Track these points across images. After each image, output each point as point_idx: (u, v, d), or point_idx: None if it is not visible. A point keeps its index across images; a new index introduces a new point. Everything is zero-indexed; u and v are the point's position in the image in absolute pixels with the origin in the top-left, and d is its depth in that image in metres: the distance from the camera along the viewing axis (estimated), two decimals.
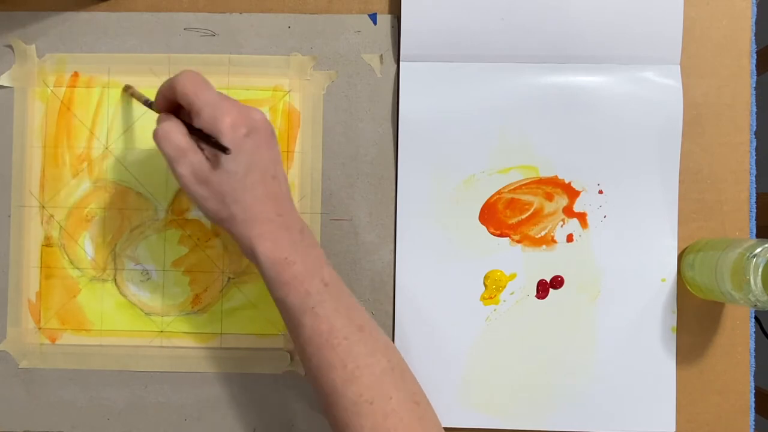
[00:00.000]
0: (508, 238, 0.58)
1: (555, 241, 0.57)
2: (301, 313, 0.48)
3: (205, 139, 0.48)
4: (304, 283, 0.48)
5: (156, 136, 0.49)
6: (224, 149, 0.47)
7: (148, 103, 0.55)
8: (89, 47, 0.58)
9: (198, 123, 0.48)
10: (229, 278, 0.58)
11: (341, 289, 0.50)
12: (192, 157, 0.48)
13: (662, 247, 0.57)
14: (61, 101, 0.58)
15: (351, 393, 0.47)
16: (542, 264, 0.57)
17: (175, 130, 0.48)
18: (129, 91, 0.57)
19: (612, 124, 0.57)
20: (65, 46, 0.58)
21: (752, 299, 0.49)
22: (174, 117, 0.50)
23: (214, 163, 0.48)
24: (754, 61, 0.58)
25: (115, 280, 0.58)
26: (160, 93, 0.50)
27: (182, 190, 0.58)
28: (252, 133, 0.48)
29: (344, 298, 0.50)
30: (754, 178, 0.57)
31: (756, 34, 0.58)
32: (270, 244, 0.48)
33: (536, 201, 0.57)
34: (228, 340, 0.58)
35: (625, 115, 0.57)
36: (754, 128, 0.58)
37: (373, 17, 0.58)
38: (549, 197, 0.57)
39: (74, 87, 0.58)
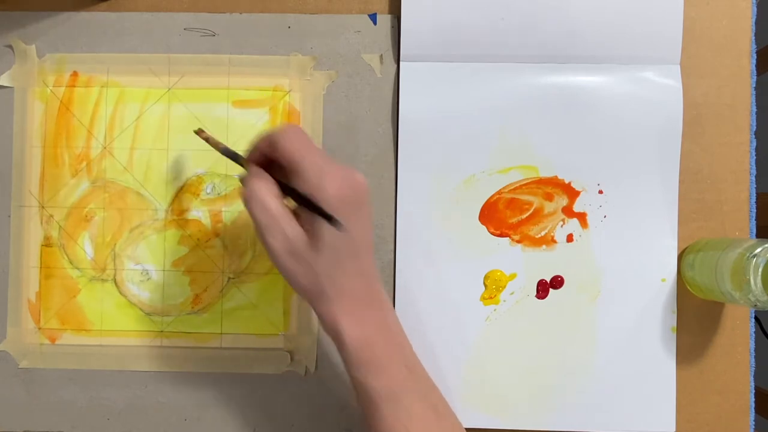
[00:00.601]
0: (508, 238, 0.58)
1: (555, 241, 0.57)
2: (382, 398, 0.45)
3: (308, 205, 0.43)
4: (387, 368, 0.46)
5: (247, 198, 0.45)
6: (333, 222, 0.43)
7: (228, 153, 0.49)
8: (89, 47, 0.58)
9: (299, 186, 0.44)
10: (229, 278, 0.58)
11: (421, 372, 0.48)
12: (287, 227, 0.44)
13: (662, 247, 0.57)
14: (61, 101, 0.58)
15: None
16: (542, 264, 0.57)
17: (269, 193, 0.44)
18: (202, 136, 0.52)
19: (612, 124, 0.57)
20: (65, 46, 0.58)
21: (752, 299, 0.49)
22: (266, 174, 0.45)
23: (312, 235, 0.44)
24: (754, 61, 0.58)
25: (114, 280, 0.58)
26: (256, 147, 0.46)
27: (182, 190, 0.58)
28: (358, 207, 0.44)
29: (424, 381, 0.48)
30: (754, 178, 0.57)
31: (756, 34, 0.58)
32: (355, 324, 0.45)
33: (536, 201, 0.57)
34: (228, 340, 0.58)
35: (625, 115, 0.57)
36: (754, 128, 0.58)
37: (373, 17, 0.58)
38: (549, 197, 0.57)
39: (73, 87, 0.58)
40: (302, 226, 0.45)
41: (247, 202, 0.45)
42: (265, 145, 0.46)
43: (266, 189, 0.45)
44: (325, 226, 0.43)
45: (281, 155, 0.45)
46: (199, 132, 0.52)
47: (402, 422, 0.45)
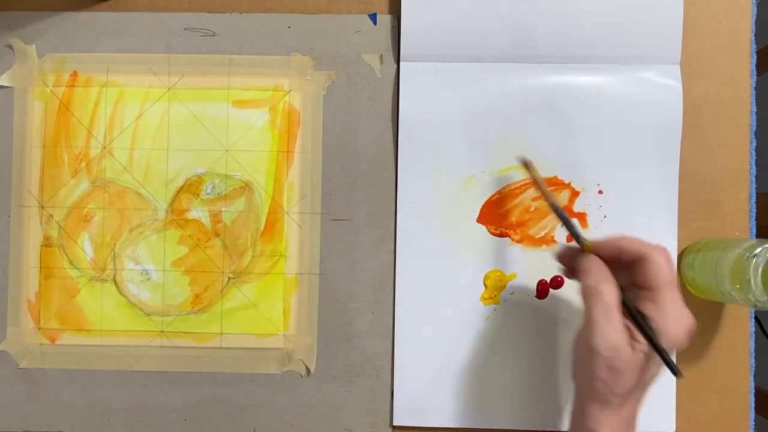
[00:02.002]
0: (508, 238, 0.58)
1: (555, 241, 0.57)
2: None
3: (658, 348, 0.44)
4: None
5: (590, 292, 0.45)
6: (676, 373, 0.44)
7: (575, 233, 0.49)
8: (89, 47, 0.58)
9: (649, 311, 0.45)
10: (229, 278, 0.58)
11: None
12: (619, 340, 0.44)
13: None
14: (60, 101, 0.58)
15: None
16: (542, 264, 0.57)
17: (613, 299, 0.45)
18: (536, 179, 0.53)
19: (612, 124, 0.57)
20: (65, 46, 0.58)
21: (752, 299, 0.49)
22: (612, 276, 0.46)
23: (636, 361, 0.44)
24: (754, 61, 0.58)
25: (114, 280, 0.58)
26: (618, 243, 0.47)
27: (182, 190, 0.58)
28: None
29: None
30: (754, 178, 0.57)
31: (756, 34, 0.58)
32: None
33: (536, 201, 0.57)
34: (228, 340, 0.58)
35: (625, 115, 0.57)
36: (754, 128, 0.58)
37: (373, 17, 0.58)
38: None
39: (73, 86, 0.58)
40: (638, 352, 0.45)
41: (590, 296, 0.45)
42: (627, 252, 0.46)
43: (614, 295, 0.45)
44: (654, 360, 0.44)
45: (646, 277, 0.45)
46: (532, 171, 0.53)
47: None
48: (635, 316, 0.45)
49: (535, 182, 0.53)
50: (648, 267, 0.45)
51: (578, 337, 0.47)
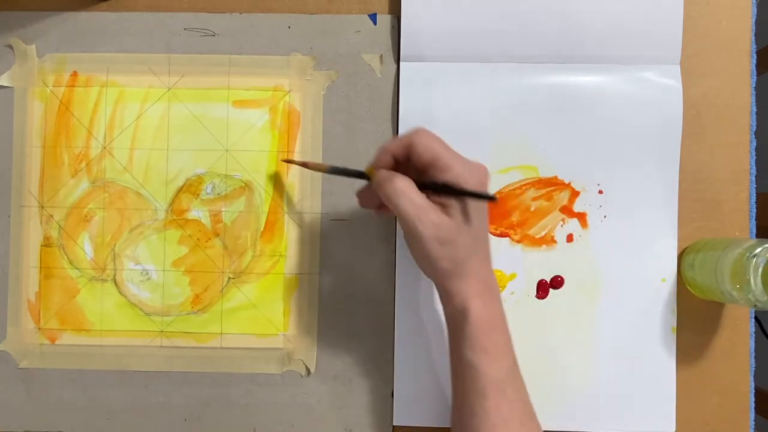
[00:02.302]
0: (508, 238, 0.58)
1: (555, 241, 0.57)
2: (490, 385, 0.47)
3: (455, 192, 0.46)
4: (501, 356, 0.48)
5: (392, 192, 0.47)
6: (491, 198, 0.46)
7: (346, 172, 0.52)
8: (89, 47, 0.58)
9: (444, 177, 0.46)
10: (229, 278, 0.58)
11: (520, 371, 0.50)
12: (433, 216, 0.46)
13: (662, 247, 0.57)
14: (60, 101, 0.58)
15: None
16: (542, 264, 0.57)
17: (412, 188, 0.47)
18: (297, 163, 0.56)
19: (612, 124, 0.57)
20: (65, 46, 0.58)
21: (752, 299, 0.49)
22: (401, 174, 0.48)
23: (456, 222, 0.47)
24: (754, 61, 0.58)
25: (114, 280, 0.58)
26: (385, 151, 0.49)
27: (182, 190, 0.58)
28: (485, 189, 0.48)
29: (523, 382, 0.50)
30: (754, 178, 0.57)
31: (756, 34, 0.58)
32: (482, 306, 0.48)
33: (536, 201, 0.57)
34: (228, 340, 0.58)
35: (625, 115, 0.57)
36: (754, 128, 0.58)
37: (373, 17, 0.58)
38: (549, 197, 0.57)
39: (73, 86, 0.58)
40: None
41: (393, 197, 0.47)
42: (398, 148, 0.48)
43: (407, 184, 0.47)
44: (471, 208, 0.47)
45: (422, 152, 0.47)
46: (287, 161, 0.56)
47: (502, 414, 0.47)
48: (436, 189, 0.47)
49: (302, 165, 0.56)
50: (418, 147, 0.47)
51: (405, 238, 0.49)
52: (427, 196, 0.47)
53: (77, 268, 0.58)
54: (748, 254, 0.49)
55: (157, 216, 0.58)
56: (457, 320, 0.48)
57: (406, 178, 0.47)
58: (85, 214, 0.58)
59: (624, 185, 0.57)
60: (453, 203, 0.47)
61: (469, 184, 0.46)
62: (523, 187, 0.58)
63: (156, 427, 0.57)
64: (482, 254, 0.49)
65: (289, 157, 0.58)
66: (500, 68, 0.57)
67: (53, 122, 0.58)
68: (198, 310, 0.58)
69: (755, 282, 0.49)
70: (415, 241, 0.47)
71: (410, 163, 0.48)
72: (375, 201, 0.51)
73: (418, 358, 0.57)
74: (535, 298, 0.57)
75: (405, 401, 0.57)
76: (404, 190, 0.46)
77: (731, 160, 0.57)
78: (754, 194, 0.57)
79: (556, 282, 0.57)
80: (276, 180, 0.58)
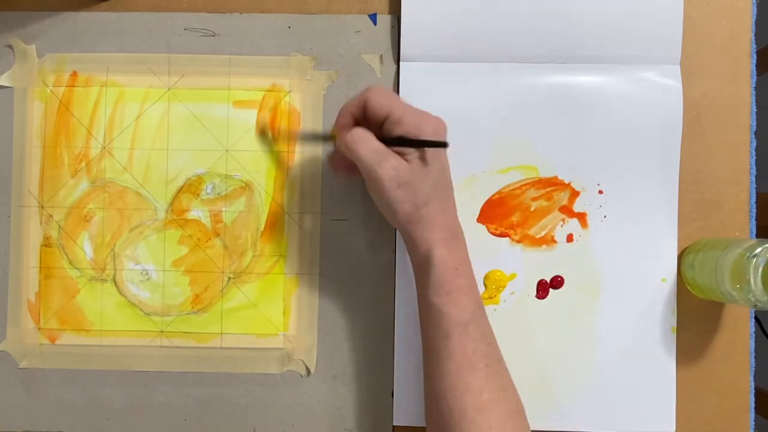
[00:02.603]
0: (508, 238, 0.58)
1: (555, 241, 0.57)
2: (454, 326, 0.48)
3: (415, 144, 0.48)
4: (464, 298, 0.49)
5: (351, 140, 0.49)
6: (444, 144, 0.48)
7: (308, 135, 0.55)
8: (89, 47, 0.58)
9: (399, 130, 0.48)
10: (229, 278, 0.58)
11: (486, 317, 0.50)
12: (393, 160, 0.48)
13: (662, 247, 0.57)
14: (60, 101, 0.58)
15: (481, 422, 0.47)
16: (542, 264, 0.57)
17: (370, 136, 0.49)
18: (268, 136, 0.57)
19: (612, 124, 0.57)
20: (65, 46, 0.58)
21: (752, 299, 0.49)
22: (360, 127, 0.50)
23: (414, 167, 0.48)
24: (754, 61, 0.58)
25: (114, 280, 0.58)
26: (345, 111, 0.50)
27: (182, 190, 0.58)
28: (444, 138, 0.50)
29: (489, 326, 0.50)
30: (754, 178, 0.57)
31: (756, 34, 0.58)
32: (446, 252, 0.49)
33: (536, 201, 0.57)
34: (228, 340, 0.58)
35: (625, 115, 0.57)
36: (754, 128, 0.58)
37: (373, 17, 0.58)
38: (549, 197, 0.57)
39: (73, 86, 0.58)
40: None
41: (353, 145, 0.49)
42: (355, 107, 0.50)
43: (367, 132, 0.49)
44: (428, 156, 0.48)
45: (376, 109, 0.49)
46: (262, 131, 0.57)
47: (467, 353, 0.48)
48: (394, 143, 0.49)
49: (273, 138, 0.57)
50: (371, 104, 0.49)
51: (367, 186, 0.50)
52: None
53: (77, 268, 0.58)
54: (748, 254, 0.49)
55: (157, 216, 0.58)
56: (422, 266, 0.50)
57: (365, 129, 0.49)
58: (84, 214, 0.58)
59: (624, 185, 0.57)
60: (410, 151, 0.48)
61: (424, 134, 0.48)
62: (523, 187, 0.58)
63: (156, 427, 0.57)
64: (444, 201, 0.50)
65: (290, 157, 0.58)
66: (500, 68, 0.57)
67: (53, 122, 0.58)
68: (198, 310, 0.58)
69: (755, 282, 0.49)
70: (375, 185, 0.49)
71: (369, 121, 0.50)
72: (344, 163, 0.53)
73: (418, 358, 0.57)
74: (535, 298, 0.57)
75: (405, 401, 0.57)
76: (362, 137, 0.48)
77: (731, 160, 0.57)
78: (754, 194, 0.57)
79: (556, 282, 0.57)
80: (276, 180, 0.58)
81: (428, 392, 0.50)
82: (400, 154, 0.49)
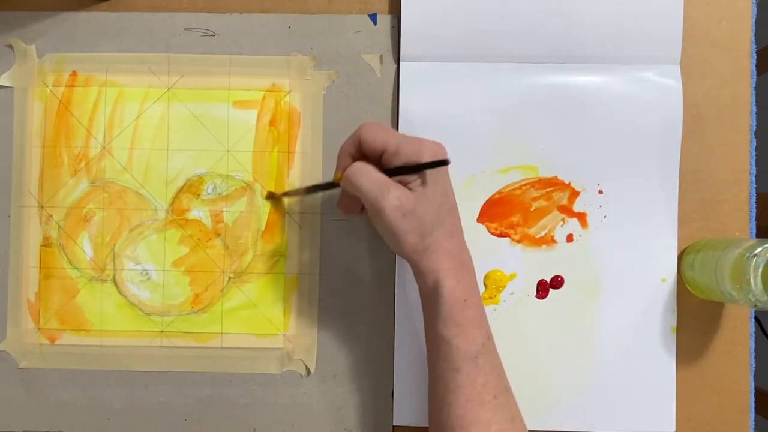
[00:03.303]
0: (508, 238, 0.58)
1: (555, 241, 0.57)
2: (464, 359, 0.48)
3: (416, 169, 0.47)
4: (474, 330, 0.48)
5: (352, 173, 0.48)
6: (444, 162, 0.47)
7: (317, 187, 0.54)
8: (89, 47, 0.58)
9: (398, 160, 0.48)
10: (229, 278, 0.58)
11: (496, 348, 0.50)
12: (396, 191, 0.47)
13: (662, 247, 0.57)
14: (60, 101, 0.58)
15: None
16: (542, 264, 0.57)
17: (371, 168, 0.48)
18: (277, 196, 0.57)
19: (612, 124, 0.57)
20: (65, 46, 0.58)
21: (752, 299, 0.49)
22: (360, 161, 0.49)
23: (417, 195, 0.48)
24: (754, 61, 0.58)
25: (114, 280, 0.58)
26: (342, 152, 0.50)
27: (183, 190, 0.58)
28: (446, 171, 0.49)
29: (498, 356, 0.50)
30: (754, 178, 0.57)
31: (756, 34, 0.58)
32: (455, 282, 0.48)
33: (536, 201, 0.57)
34: (228, 340, 0.58)
35: (625, 115, 0.57)
36: (754, 128, 0.58)
37: (373, 17, 0.58)
38: (549, 197, 0.57)
39: (72, 86, 0.58)
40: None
41: (353, 178, 0.48)
42: (351, 146, 0.50)
43: (368, 165, 0.48)
44: (429, 181, 0.48)
45: (370, 143, 0.48)
46: (270, 196, 0.57)
47: (477, 386, 0.47)
48: (393, 173, 0.48)
49: (283, 195, 0.57)
50: (365, 141, 0.48)
51: (371, 218, 0.49)
52: None
53: (77, 268, 0.58)
54: (748, 254, 0.49)
55: (157, 216, 0.58)
56: (430, 297, 0.49)
57: (366, 163, 0.49)
58: (84, 214, 0.58)
59: (624, 185, 0.57)
60: (412, 179, 0.48)
61: (424, 159, 0.47)
62: (523, 187, 0.58)
63: (156, 427, 0.57)
64: (449, 228, 0.49)
65: (290, 156, 0.58)
66: (500, 68, 0.57)
67: (53, 122, 0.58)
68: (198, 310, 0.58)
69: (755, 282, 0.49)
70: (379, 216, 0.48)
71: (367, 158, 0.49)
72: (354, 204, 0.52)
73: (418, 358, 0.57)
74: (535, 298, 0.57)
75: (405, 401, 0.57)
76: (362, 170, 0.48)
77: (731, 160, 0.57)
78: (754, 194, 0.57)
79: (556, 282, 0.57)
80: (276, 180, 0.58)
81: (434, 421, 0.49)
82: (402, 183, 0.48)
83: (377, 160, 0.49)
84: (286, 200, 0.58)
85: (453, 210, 0.50)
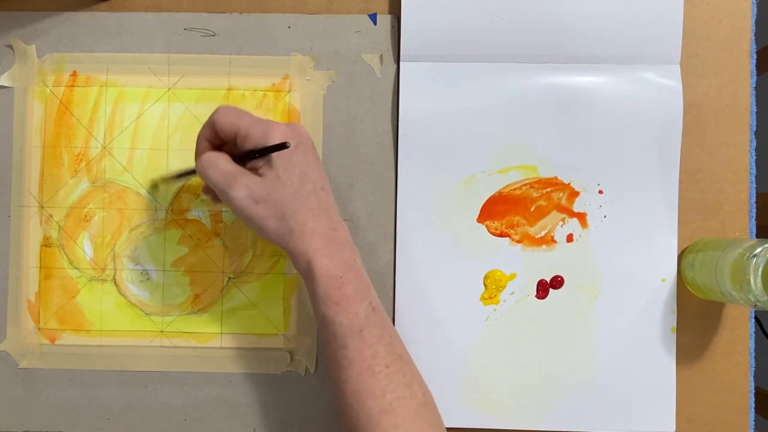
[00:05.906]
0: (508, 238, 0.58)
1: (555, 241, 0.57)
2: (348, 334, 0.48)
3: (260, 153, 0.47)
4: (354, 305, 0.48)
5: (201, 166, 0.48)
6: (284, 146, 0.46)
7: (181, 174, 0.55)
8: (89, 47, 0.58)
9: (249, 144, 0.48)
10: (229, 278, 0.58)
11: (384, 315, 0.50)
12: (244, 179, 0.47)
13: (662, 247, 0.57)
14: (60, 101, 0.58)
15: (387, 423, 0.47)
16: (542, 264, 0.57)
17: (220, 158, 0.48)
18: (167, 179, 0.58)
19: (612, 124, 0.57)
20: (65, 46, 0.58)
21: (752, 299, 0.49)
22: (214, 150, 0.50)
23: (269, 180, 0.48)
24: (754, 61, 0.58)
25: (114, 280, 0.58)
26: (200, 137, 0.50)
27: (182, 190, 0.58)
28: (300, 145, 0.48)
29: (387, 324, 0.50)
30: (754, 178, 0.57)
31: (756, 34, 0.58)
32: (327, 261, 0.48)
33: (536, 201, 0.57)
34: (228, 340, 0.58)
35: (626, 116, 0.57)
36: (754, 128, 0.58)
37: (373, 17, 0.58)
38: (549, 197, 0.57)
39: (72, 86, 0.58)
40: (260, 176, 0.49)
41: (203, 171, 0.48)
42: (207, 132, 0.50)
43: (217, 155, 0.49)
44: (278, 164, 0.47)
45: (222, 128, 0.48)
46: (162, 181, 0.58)
47: (366, 358, 0.48)
48: (247, 158, 0.48)
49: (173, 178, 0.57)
50: (219, 125, 0.48)
51: (233, 210, 0.49)
52: (244, 166, 0.49)
53: (77, 268, 0.58)
54: (748, 254, 0.49)
55: (157, 216, 0.58)
56: (306, 279, 0.49)
57: (216, 152, 0.49)
58: (84, 214, 0.58)
59: (624, 185, 0.57)
60: (260, 164, 0.48)
61: (272, 141, 0.47)
62: (523, 187, 0.58)
63: (156, 427, 0.57)
64: (314, 207, 0.49)
65: None
66: (500, 68, 0.57)
67: (53, 122, 0.58)
68: (198, 310, 0.58)
69: (755, 282, 0.49)
70: (233, 207, 0.48)
71: (226, 143, 0.50)
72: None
73: (418, 359, 0.57)
74: (535, 298, 0.57)
75: None
76: (210, 161, 0.48)
77: (731, 160, 0.57)
78: (754, 194, 0.57)
79: (556, 282, 0.57)
80: None
81: (339, 401, 0.49)
82: (254, 169, 0.48)
83: (232, 143, 0.49)
84: None
85: (317, 189, 0.49)
